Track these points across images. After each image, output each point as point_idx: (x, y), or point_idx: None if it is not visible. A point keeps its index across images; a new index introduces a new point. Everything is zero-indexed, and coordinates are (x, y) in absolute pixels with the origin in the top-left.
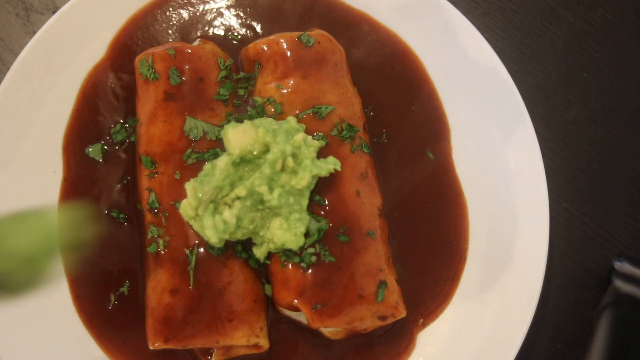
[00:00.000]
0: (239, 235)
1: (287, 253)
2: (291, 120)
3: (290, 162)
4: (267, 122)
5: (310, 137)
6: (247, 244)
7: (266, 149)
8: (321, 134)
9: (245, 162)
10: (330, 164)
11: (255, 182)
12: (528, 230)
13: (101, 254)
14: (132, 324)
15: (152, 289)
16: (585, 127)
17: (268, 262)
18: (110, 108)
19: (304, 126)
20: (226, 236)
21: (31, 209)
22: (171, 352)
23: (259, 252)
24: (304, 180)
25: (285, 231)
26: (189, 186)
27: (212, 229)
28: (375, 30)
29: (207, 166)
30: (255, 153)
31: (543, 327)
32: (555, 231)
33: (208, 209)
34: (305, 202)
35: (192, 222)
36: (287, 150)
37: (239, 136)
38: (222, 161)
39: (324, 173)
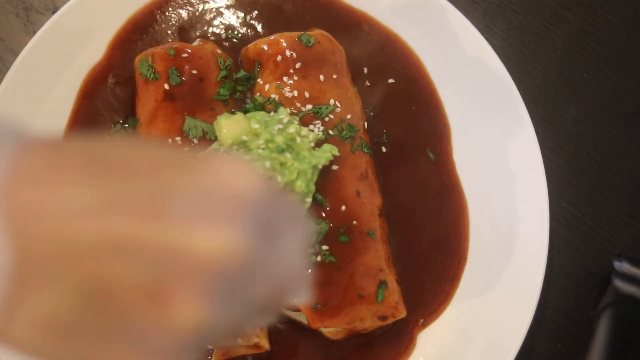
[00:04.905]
0: None
1: None
2: (282, 112)
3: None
4: (260, 114)
5: (305, 129)
6: None
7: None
8: (322, 127)
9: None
10: (327, 151)
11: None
12: (528, 230)
13: None
14: None
15: None
16: (585, 127)
17: None
18: (110, 108)
19: (297, 118)
20: None
21: None
22: None
23: None
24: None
25: None
26: None
27: None
28: (376, 30)
29: None
30: (247, 144)
31: (543, 327)
32: (555, 231)
33: None
34: (306, 205)
35: None
36: (279, 141)
37: (231, 126)
38: None
39: (323, 162)
